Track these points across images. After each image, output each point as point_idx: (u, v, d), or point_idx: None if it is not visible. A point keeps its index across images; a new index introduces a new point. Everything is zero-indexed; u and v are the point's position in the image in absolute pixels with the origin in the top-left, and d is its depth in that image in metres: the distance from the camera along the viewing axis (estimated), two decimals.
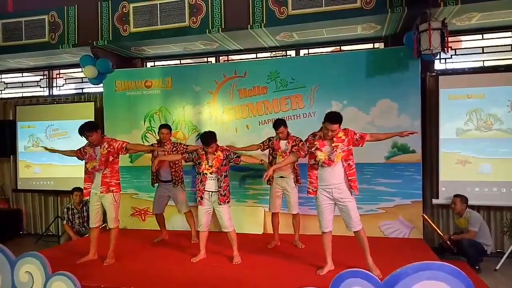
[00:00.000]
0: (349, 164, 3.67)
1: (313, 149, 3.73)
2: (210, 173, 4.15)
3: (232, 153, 4.24)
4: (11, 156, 7.29)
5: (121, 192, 4.43)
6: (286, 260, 4.25)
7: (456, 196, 5.00)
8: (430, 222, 5.13)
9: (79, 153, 4.38)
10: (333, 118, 3.60)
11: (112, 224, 4.33)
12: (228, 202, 4.22)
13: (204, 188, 4.18)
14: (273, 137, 4.78)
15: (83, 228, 5.82)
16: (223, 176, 4.18)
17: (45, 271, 3.34)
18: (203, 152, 4.19)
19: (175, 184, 5.03)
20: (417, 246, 4.78)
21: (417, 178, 5.19)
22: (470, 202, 4.98)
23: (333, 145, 3.64)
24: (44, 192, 7.11)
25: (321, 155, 3.66)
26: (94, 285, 3.55)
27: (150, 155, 5.23)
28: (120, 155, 4.36)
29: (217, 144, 4.21)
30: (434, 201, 5.40)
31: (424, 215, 5.22)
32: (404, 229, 5.22)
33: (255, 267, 4.08)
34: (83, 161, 4.35)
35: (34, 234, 7.17)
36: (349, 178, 3.67)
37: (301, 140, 4.67)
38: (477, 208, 5.20)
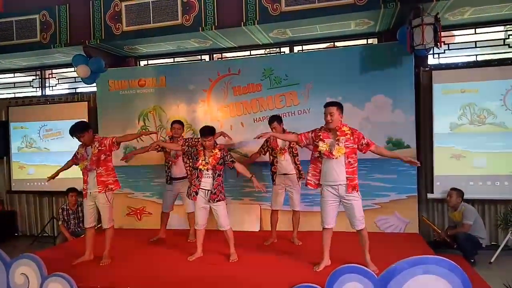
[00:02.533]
0: (349, 161, 3.65)
1: (317, 140, 3.74)
2: (207, 170, 4.15)
3: (229, 155, 4.24)
4: (4, 157, 7.24)
5: (119, 189, 4.42)
6: (283, 257, 4.25)
7: (452, 189, 5.04)
8: (430, 223, 5.18)
9: (75, 159, 4.36)
10: (329, 102, 3.75)
11: (106, 224, 4.31)
12: (220, 200, 4.20)
13: (199, 184, 4.19)
14: (269, 138, 4.78)
15: (79, 229, 5.79)
16: (216, 174, 4.18)
17: (40, 273, 3.33)
18: (201, 149, 4.19)
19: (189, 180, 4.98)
20: (413, 240, 4.81)
21: (412, 173, 5.21)
22: (465, 196, 5.01)
23: (336, 138, 3.65)
24: (39, 193, 7.07)
25: (322, 146, 3.67)
26: (90, 285, 3.54)
27: (145, 154, 5.21)
28: (113, 152, 4.34)
29: (216, 142, 4.20)
30: (429, 195, 5.42)
31: (423, 217, 5.26)
32: (400, 224, 5.25)
33: (252, 264, 4.08)
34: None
35: (30, 235, 7.13)
36: (347, 176, 3.65)
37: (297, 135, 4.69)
38: (472, 201, 5.22)
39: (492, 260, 4.76)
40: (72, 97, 7.07)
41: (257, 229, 5.57)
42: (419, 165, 3.88)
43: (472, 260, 4.65)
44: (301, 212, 4.87)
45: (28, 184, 7.01)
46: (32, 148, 7.01)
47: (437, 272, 2.44)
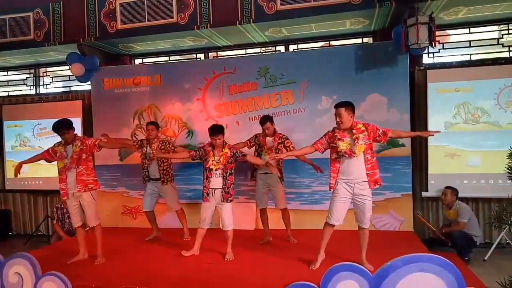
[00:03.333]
0: (367, 157, 3.64)
1: (334, 141, 3.68)
2: (216, 169, 4.14)
3: (239, 151, 4.23)
4: None
5: (98, 189, 4.34)
6: (278, 256, 4.26)
7: (447, 187, 5.07)
8: (424, 221, 5.22)
9: (46, 155, 4.26)
10: (338, 103, 3.69)
11: (93, 222, 4.26)
12: (231, 200, 4.21)
13: (209, 184, 4.18)
14: (259, 134, 4.78)
15: (73, 228, 5.75)
16: (228, 173, 4.16)
17: (35, 272, 3.30)
18: (210, 148, 4.18)
19: (164, 183, 4.99)
20: (408, 238, 4.84)
21: (406, 171, 5.24)
22: (459, 195, 5.04)
23: (354, 137, 3.61)
24: (33, 192, 7.03)
25: (343, 145, 3.62)
26: (85, 284, 3.52)
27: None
28: (94, 153, 4.30)
29: (225, 141, 4.20)
30: (424, 194, 5.46)
31: (418, 214, 5.29)
32: (395, 222, 5.27)
33: (248, 263, 4.09)
34: (52, 163, 4.29)
35: (24, 234, 7.08)
36: (367, 172, 3.64)
37: (287, 138, 4.69)
38: (466, 200, 5.26)
39: (486, 257, 4.80)
40: (67, 96, 7.03)
41: (252, 227, 5.57)
42: (439, 131, 3.92)
43: (467, 258, 4.69)
44: (295, 211, 4.86)
45: (22, 183, 6.97)
46: (26, 146, 6.97)
47: (432, 270, 2.45)
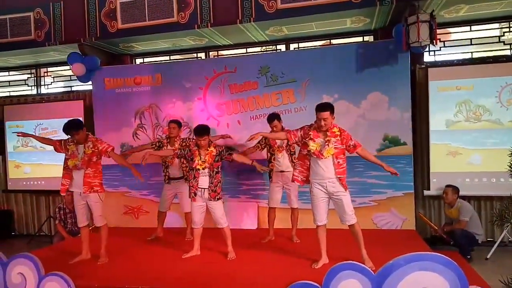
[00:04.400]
0: (338, 162, 3.69)
1: (307, 139, 3.74)
2: (203, 168, 4.14)
3: (224, 149, 4.23)
4: (0, 156, 7.20)
5: (103, 193, 4.33)
6: (280, 255, 4.26)
7: (448, 186, 5.06)
8: (426, 219, 5.22)
9: (58, 145, 4.27)
10: (322, 105, 3.70)
11: (99, 222, 4.29)
12: (219, 198, 4.21)
13: (197, 184, 4.18)
14: None
15: (76, 228, 5.74)
16: (214, 172, 4.17)
17: (37, 272, 3.32)
18: (196, 148, 4.18)
19: (187, 180, 4.92)
20: (410, 237, 4.83)
21: (408, 170, 5.23)
22: (461, 193, 5.04)
23: (326, 139, 3.67)
24: (35, 192, 7.04)
25: (312, 145, 3.68)
26: (88, 284, 3.53)
27: (140, 153, 5.18)
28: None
29: (211, 140, 4.20)
30: (426, 192, 5.45)
31: (420, 213, 5.29)
32: (397, 220, 5.27)
33: (250, 262, 4.09)
34: (60, 153, 4.30)
35: (26, 235, 7.10)
36: (338, 176, 3.70)
37: None
38: (468, 198, 5.26)
39: (489, 256, 4.79)
40: (68, 96, 7.04)
41: (254, 227, 5.58)
42: (398, 175, 3.91)
43: (469, 256, 4.69)
44: (299, 210, 4.86)
45: (24, 183, 6.99)
46: (28, 147, 6.98)
47: (434, 269, 2.46)
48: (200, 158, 4.14)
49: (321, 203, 3.78)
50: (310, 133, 3.75)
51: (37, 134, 6.87)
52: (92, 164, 4.17)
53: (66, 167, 4.24)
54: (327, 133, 3.69)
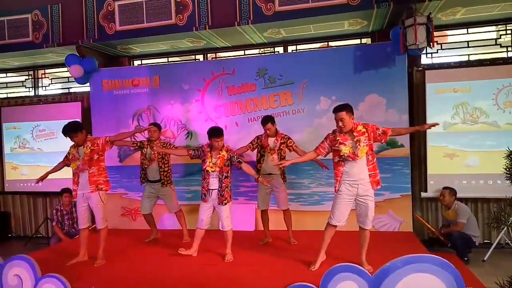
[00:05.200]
0: (368, 158, 3.64)
1: (336, 145, 3.66)
2: (213, 171, 4.15)
3: (236, 156, 4.21)
4: None
5: (109, 190, 4.38)
6: (278, 257, 4.25)
7: (445, 188, 5.08)
8: (423, 221, 5.23)
9: (66, 161, 4.34)
10: (337, 107, 3.65)
11: (100, 225, 4.29)
12: (226, 203, 4.20)
13: (207, 185, 4.18)
14: (261, 135, 4.78)
15: (73, 230, 5.76)
16: (223, 176, 4.16)
17: (34, 274, 3.31)
18: (208, 149, 4.18)
19: (164, 184, 4.98)
20: (407, 239, 4.83)
21: (405, 172, 5.25)
22: (458, 195, 5.05)
23: (355, 139, 3.60)
24: (33, 193, 7.02)
25: (345, 149, 3.60)
26: (84, 286, 3.52)
27: (139, 153, 5.19)
28: (106, 152, 4.33)
29: (224, 144, 4.20)
30: (423, 194, 5.46)
31: (417, 215, 5.30)
32: (394, 222, 5.28)
33: (247, 264, 4.08)
34: (68, 166, 4.33)
35: (23, 236, 7.07)
36: (370, 173, 3.64)
37: (289, 138, 4.70)
38: (465, 200, 5.28)
39: (485, 258, 4.80)
40: (65, 97, 7.03)
41: (252, 228, 5.58)
42: (439, 124, 3.92)
43: (466, 258, 4.69)
44: (294, 212, 4.85)
45: (21, 185, 6.97)
46: (25, 148, 6.97)
47: (431, 270, 2.47)
48: (211, 160, 4.14)
49: (346, 204, 3.69)
50: (337, 138, 3.65)
51: (34, 136, 6.88)
52: (94, 163, 4.18)
53: (73, 173, 4.26)
54: (354, 133, 3.62)
